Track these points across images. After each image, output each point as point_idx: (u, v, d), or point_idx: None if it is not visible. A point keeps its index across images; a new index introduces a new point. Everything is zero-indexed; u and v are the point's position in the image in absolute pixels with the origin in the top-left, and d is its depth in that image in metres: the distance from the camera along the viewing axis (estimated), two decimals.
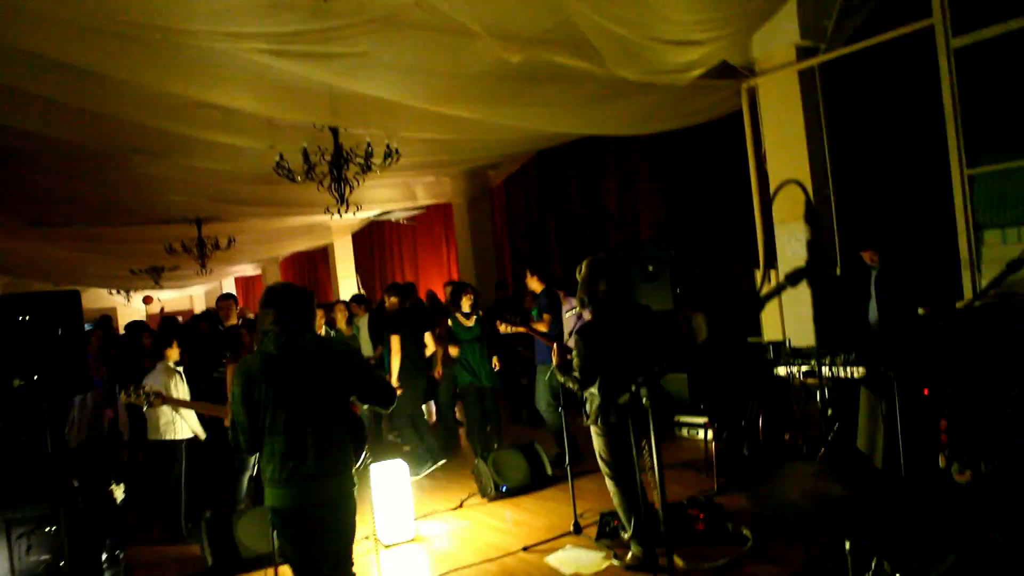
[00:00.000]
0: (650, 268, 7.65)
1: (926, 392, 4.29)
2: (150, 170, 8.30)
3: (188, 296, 26.90)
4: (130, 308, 22.77)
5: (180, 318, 18.74)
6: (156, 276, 16.90)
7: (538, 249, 11.44)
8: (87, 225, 11.46)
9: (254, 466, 5.84)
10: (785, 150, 6.70)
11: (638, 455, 4.00)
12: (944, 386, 4.30)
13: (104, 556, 4.94)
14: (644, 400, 1.94)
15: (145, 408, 5.28)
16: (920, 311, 5.11)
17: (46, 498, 5.04)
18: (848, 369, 5.35)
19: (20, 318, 5.15)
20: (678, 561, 4.24)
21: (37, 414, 5.52)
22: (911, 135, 6.21)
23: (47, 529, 4.95)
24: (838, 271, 6.70)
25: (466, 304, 7.13)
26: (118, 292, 21.28)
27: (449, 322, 7.29)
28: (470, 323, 7.16)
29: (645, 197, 9.55)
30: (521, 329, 6.40)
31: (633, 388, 1.94)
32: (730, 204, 8.11)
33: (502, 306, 8.97)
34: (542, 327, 6.55)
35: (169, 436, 5.71)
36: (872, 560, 1.90)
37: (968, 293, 5.25)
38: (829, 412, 5.34)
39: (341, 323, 7.89)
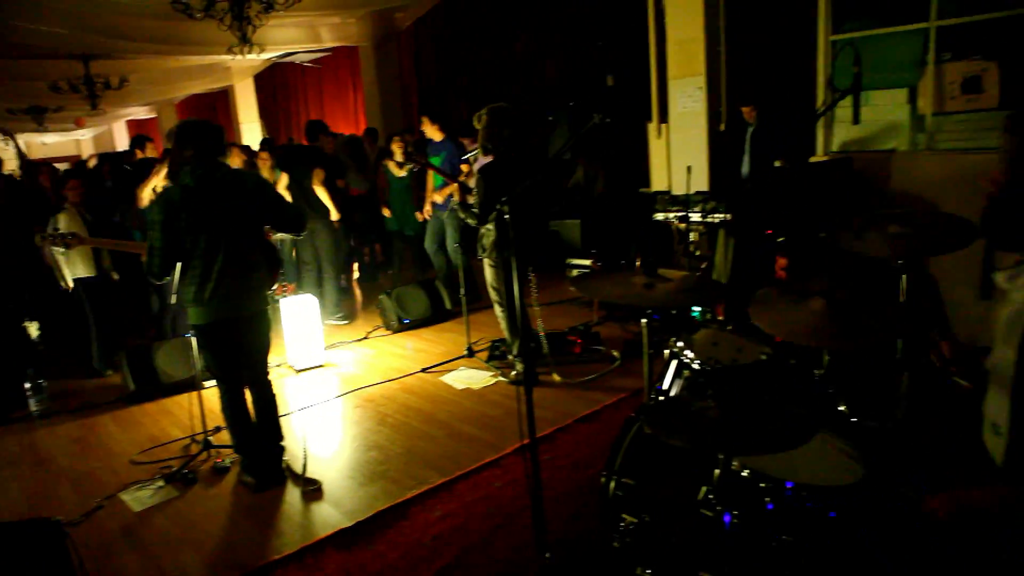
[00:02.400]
0: (550, 118, 7.96)
1: (768, 232, 4.94)
2: None
3: (75, 141, 25.31)
4: (7, 152, 21.34)
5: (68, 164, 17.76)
6: (39, 118, 15.87)
7: (446, 96, 11.47)
8: None
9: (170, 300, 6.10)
10: (683, 8, 6.95)
11: (524, 285, 4.53)
12: (787, 230, 4.98)
13: (27, 385, 5.22)
14: (505, 216, 2.31)
15: (63, 250, 5.33)
16: (777, 163, 5.70)
17: None
18: (716, 214, 5.96)
19: None
20: (556, 376, 4.95)
21: None
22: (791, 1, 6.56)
23: None
24: (723, 127, 7.21)
25: (398, 152, 7.14)
26: None
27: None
28: (402, 172, 7.30)
29: (552, 49, 9.67)
30: (427, 166, 6.56)
31: (498, 207, 2.30)
32: (629, 60, 8.38)
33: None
34: (471, 181, 6.63)
35: (70, 276, 5.80)
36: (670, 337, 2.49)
37: (820, 150, 5.89)
38: (698, 252, 6.02)
39: (264, 170, 7.62)
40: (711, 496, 2.13)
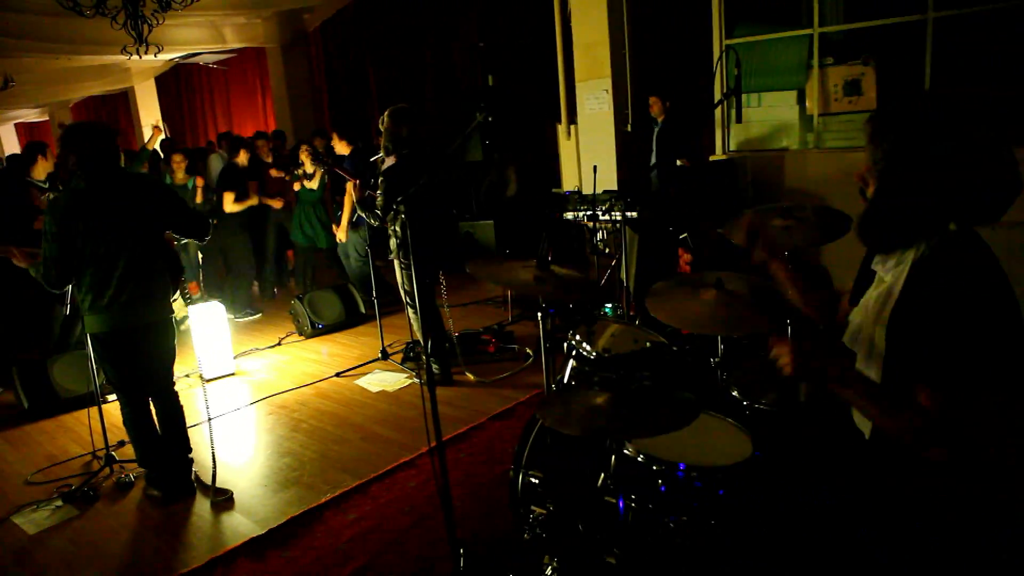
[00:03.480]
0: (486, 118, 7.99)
1: (670, 229, 5.15)
2: None
3: None
4: None
5: None
6: None
7: (357, 98, 11.36)
8: None
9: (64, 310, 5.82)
10: (588, 13, 7.14)
11: (436, 286, 4.57)
12: (689, 226, 5.21)
13: None
14: (401, 215, 2.35)
15: None
16: (679, 162, 5.93)
17: None
18: (623, 212, 6.14)
19: None
20: (470, 376, 5.01)
21: None
22: (691, 5, 6.84)
23: None
24: (629, 127, 7.44)
25: (307, 162, 7.03)
26: None
27: (295, 184, 7.26)
28: (312, 184, 7.16)
29: (462, 52, 9.73)
30: (332, 167, 6.47)
31: (395, 207, 2.33)
32: (539, 63, 8.53)
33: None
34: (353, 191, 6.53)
35: None
36: (569, 330, 2.59)
37: (719, 149, 6.17)
38: (607, 250, 6.20)
39: (179, 172, 7.32)
40: (609, 482, 2.22)
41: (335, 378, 5.35)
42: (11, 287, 5.74)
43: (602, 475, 2.25)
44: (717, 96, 6.04)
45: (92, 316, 3.53)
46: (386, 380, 5.18)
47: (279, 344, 6.36)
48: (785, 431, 2.56)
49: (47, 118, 19.86)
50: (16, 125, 21.42)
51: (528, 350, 5.41)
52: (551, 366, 2.55)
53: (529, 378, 4.98)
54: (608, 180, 7.08)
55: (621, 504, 2.06)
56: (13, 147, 20.58)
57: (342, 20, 11.24)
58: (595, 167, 6.17)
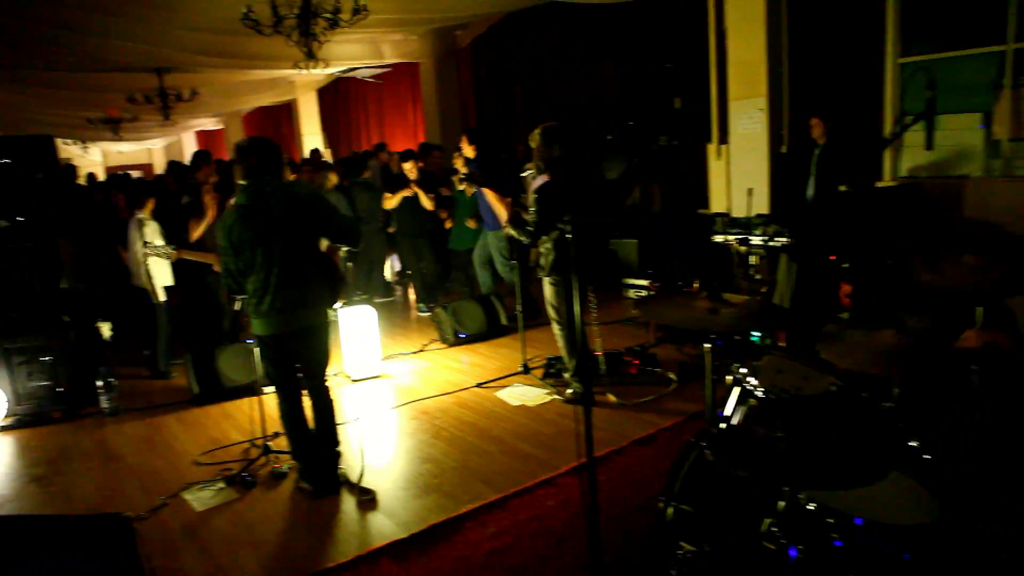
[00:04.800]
0: (608, 137, 7.96)
1: (832, 258, 4.85)
2: (109, 14, 8.12)
3: (147, 150, 26.34)
4: (86, 159, 22.34)
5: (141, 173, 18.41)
6: (115, 127, 16.55)
7: (503, 113, 11.58)
8: (41, 69, 11.16)
9: (234, 306, 6.29)
10: (745, 30, 6.92)
11: (584, 305, 4.53)
12: (852, 256, 4.89)
13: (99, 383, 5.43)
14: (568, 235, 2.33)
15: (150, 271, 5.53)
16: (841, 188, 5.59)
17: (41, 331, 5.49)
18: (778, 238, 5.87)
19: (1, 161, 5.35)
20: (611, 397, 4.92)
21: (23, 255, 5.86)
22: (857, 22, 6.46)
23: (44, 358, 5.43)
24: (784, 148, 7.12)
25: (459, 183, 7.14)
26: (74, 142, 20.73)
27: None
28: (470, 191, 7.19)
29: (610, 68, 9.70)
30: (484, 188, 6.59)
31: (560, 226, 2.32)
32: (689, 81, 8.35)
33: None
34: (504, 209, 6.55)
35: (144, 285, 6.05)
36: (732, 363, 2.45)
37: (888, 175, 5.75)
38: (758, 276, 5.94)
39: (330, 184, 7.76)
40: (775, 528, 2.09)
41: (476, 388, 5.43)
42: (191, 284, 6.29)
43: (766, 520, 2.13)
44: (887, 118, 5.65)
45: (255, 320, 3.79)
46: (526, 395, 5.19)
47: (422, 350, 6.55)
48: (974, 491, 2.32)
49: (222, 126, 21.69)
50: (196, 132, 23.56)
51: (671, 375, 5.25)
52: (712, 398, 2.45)
53: (672, 404, 4.83)
54: (759, 203, 6.80)
55: (793, 553, 1.93)
56: (192, 150, 22.71)
57: (493, 37, 11.51)
58: (750, 190, 5.95)
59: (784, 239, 5.64)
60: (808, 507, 2.04)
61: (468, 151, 6.79)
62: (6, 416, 5.40)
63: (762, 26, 6.70)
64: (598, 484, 3.82)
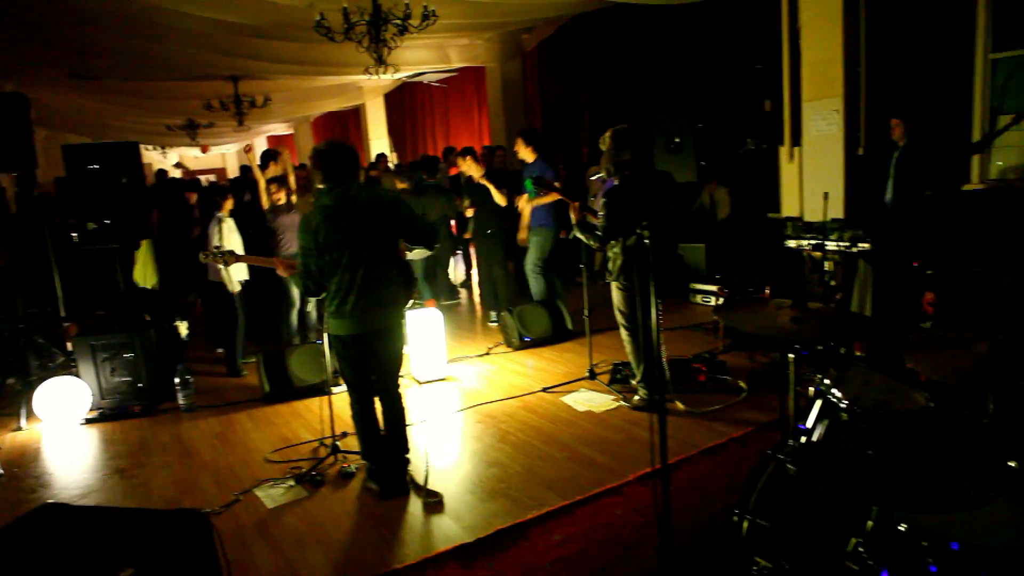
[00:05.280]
0: (676, 140, 7.83)
1: (915, 264, 4.63)
2: (189, 24, 8.43)
3: (221, 155, 27.30)
4: (165, 164, 23.30)
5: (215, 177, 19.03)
6: (192, 133, 17.21)
7: (568, 116, 11.53)
8: (125, 79, 11.69)
9: (298, 306, 6.43)
10: (821, 28, 6.70)
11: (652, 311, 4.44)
12: (936, 263, 4.66)
13: (176, 380, 5.62)
14: (646, 240, 2.28)
15: (222, 266, 5.69)
16: (927, 192, 5.35)
17: (124, 328, 5.72)
18: (856, 244, 5.66)
19: (90, 166, 5.60)
20: (679, 405, 4.82)
21: (108, 255, 6.12)
22: (944, 16, 6.17)
23: (126, 355, 5.65)
24: (861, 151, 6.87)
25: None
26: (153, 148, 21.64)
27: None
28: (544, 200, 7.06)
29: (678, 70, 9.52)
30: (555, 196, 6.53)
31: (638, 231, 2.27)
32: (758, 80, 8.13)
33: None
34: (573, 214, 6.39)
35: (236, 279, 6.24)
36: (815, 374, 2.34)
37: (975, 177, 5.47)
38: (832, 283, 5.74)
39: (399, 184, 8.00)
40: (862, 549, 2.00)
41: (541, 393, 5.40)
42: (261, 286, 6.47)
43: (852, 539, 2.03)
44: (976, 118, 5.38)
45: (334, 320, 3.83)
46: (592, 400, 5.14)
47: (487, 354, 6.56)
48: None
49: (292, 131, 22.30)
50: (268, 137, 24.28)
51: (741, 383, 5.12)
52: (793, 409, 2.35)
53: (743, 413, 4.70)
54: (834, 207, 6.56)
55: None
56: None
57: (559, 39, 11.48)
58: (826, 194, 5.76)
59: (863, 244, 5.43)
60: (899, 528, 1.94)
61: (526, 154, 6.70)
62: (90, 409, 5.65)
63: (839, 23, 6.47)
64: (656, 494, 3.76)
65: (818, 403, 2.34)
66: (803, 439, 2.33)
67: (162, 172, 12.39)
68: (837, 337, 3.75)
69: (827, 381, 2.31)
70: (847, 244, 5.57)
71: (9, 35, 8.93)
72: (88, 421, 5.57)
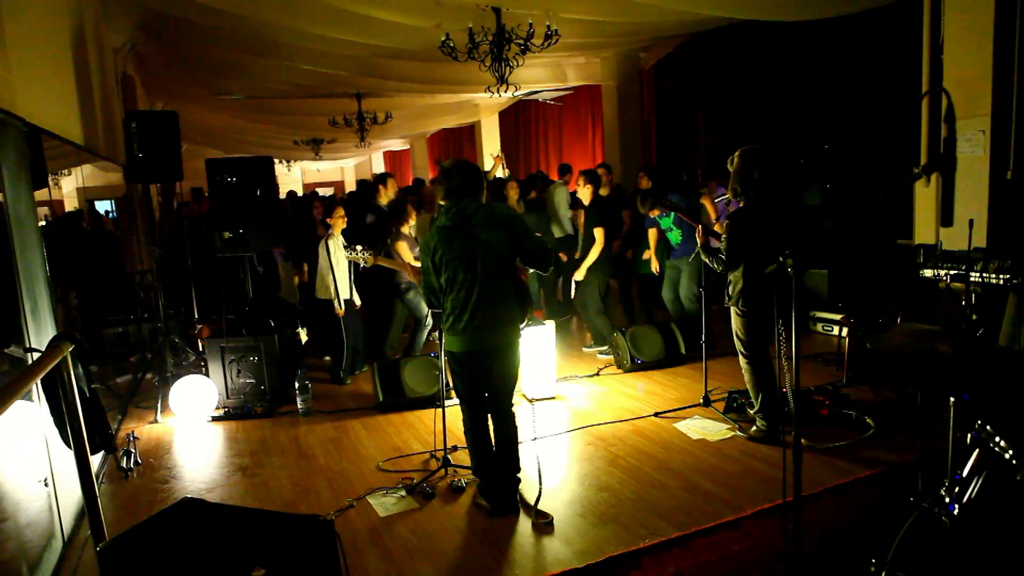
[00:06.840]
0: (800, 161, 7.53)
1: None
2: (317, 45, 8.84)
3: (340, 168, 28.56)
4: (289, 177, 24.59)
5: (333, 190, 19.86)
6: (316, 148, 18.09)
7: (684, 136, 11.31)
8: (260, 97, 12.44)
9: (428, 326, 6.57)
10: (966, 43, 6.27)
11: (775, 338, 4.25)
12: None
13: (296, 384, 5.87)
14: (789, 269, 2.17)
15: (362, 264, 5.88)
16: None
17: (250, 333, 6.03)
18: (1000, 276, 5.23)
19: (228, 179, 5.95)
20: (802, 440, 4.57)
21: (240, 264, 6.48)
22: None
23: (252, 358, 5.94)
24: (1009, 174, 6.36)
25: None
26: (279, 161, 22.89)
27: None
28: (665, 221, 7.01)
29: (799, 89, 9.16)
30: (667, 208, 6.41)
31: (780, 259, 2.17)
32: (890, 99, 7.70)
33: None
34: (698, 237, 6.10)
35: (330, 296, 6.46)
36: (976, 421, 2.13)
37: None
38: (974, 317, 5.31)
39: (512, 201, 7.95)
40: None
41: (653, 417, 5.27)
42: (376, 298, 6.69)
43: None
44: None
45: (450, 336, 3.88)
46: (707, 428, 4.97)
47: (597, 374, 6.48)
48: None
49: (408, 147, 23.02)
50: (384, 152, 25.19)
51: (868, 419, 4.81)
52: (927, 449, 2.16)
53: (869, 452, 4.41)
54: (977, 235, 6.08)
55: None
56: (380, 169, 24.39)
57: (676, 59, 11.30)
58: (971, 220, 5.35)
59: (1012, 276, 5.01)
60: None
61: (644, 184, 6.87)
62: (217, 407, 5.98)
63: (989, 38, 6.02)
64: (789, 531, 3.57)
65: (976, 452, 2.14)
66: (956, 489, 2.14)
67: (292, 193, 13.04)
68: (986, 375, 3.46)
69: (988, 427, 2.11)
70: (995, 276, 5.14)
71: (166, 57, 9.71)
72: (215, 419, 5.90)
